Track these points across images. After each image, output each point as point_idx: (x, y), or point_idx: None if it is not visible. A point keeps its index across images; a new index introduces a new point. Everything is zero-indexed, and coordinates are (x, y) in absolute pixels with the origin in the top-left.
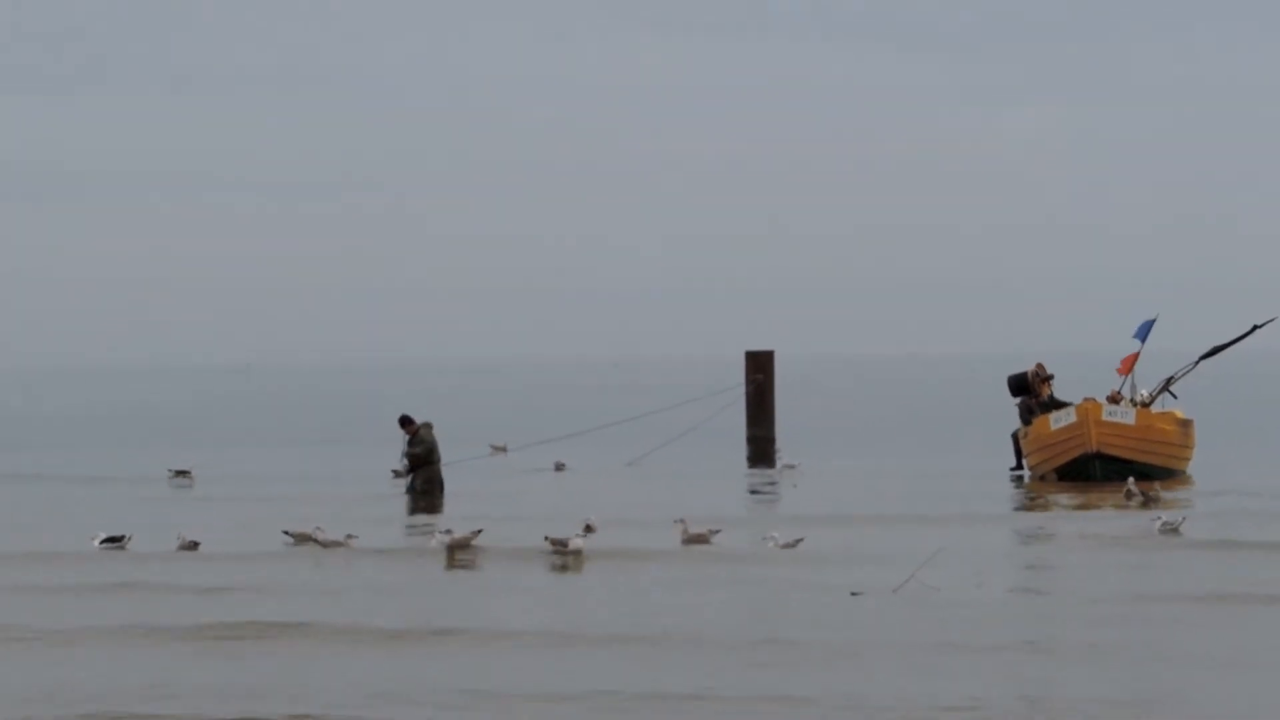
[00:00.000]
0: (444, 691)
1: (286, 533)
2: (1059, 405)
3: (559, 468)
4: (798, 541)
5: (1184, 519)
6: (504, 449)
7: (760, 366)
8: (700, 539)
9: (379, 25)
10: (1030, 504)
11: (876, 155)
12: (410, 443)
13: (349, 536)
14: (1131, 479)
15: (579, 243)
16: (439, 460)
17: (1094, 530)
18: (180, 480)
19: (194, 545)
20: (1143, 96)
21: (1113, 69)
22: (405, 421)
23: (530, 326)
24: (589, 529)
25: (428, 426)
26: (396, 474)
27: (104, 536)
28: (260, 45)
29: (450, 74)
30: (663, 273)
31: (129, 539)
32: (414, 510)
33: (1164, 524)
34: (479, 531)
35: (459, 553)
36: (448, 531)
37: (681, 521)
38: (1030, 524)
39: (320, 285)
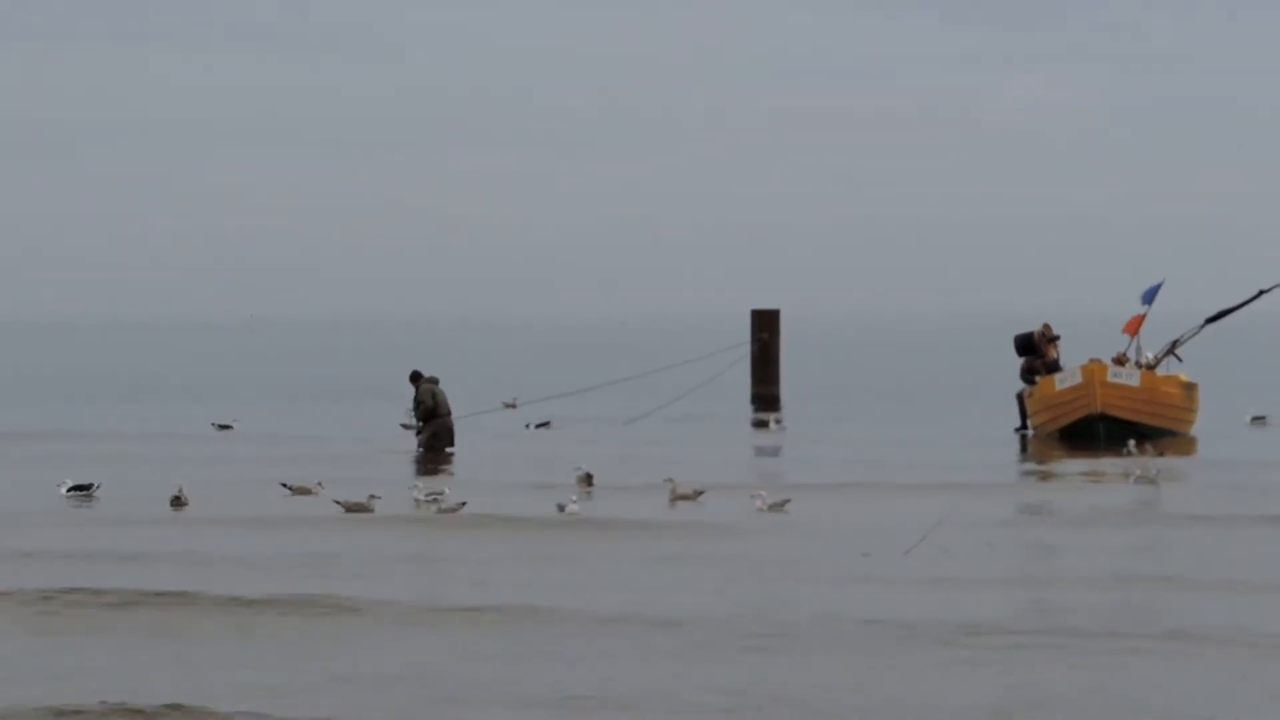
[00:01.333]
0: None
1: (285, 485)
2: (1057, 369)
3: (543, 425)
4: (785, 502)
5: (1158, 471)
6: (514, 405)
7: (766, 325)
8: (687, 498)
9: None
10: (1035, 467)
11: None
12: (416, 398)
13: (371, 497)
14: (1132, 441)
15: (586, 198)
16: (447, 414)
17: (1096, 498)
18: (224, 434)
19: (179, 501)
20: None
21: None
22: (414, 377)
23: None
24: (589, 480)
25: (431, 381)
26: (405, 427)
27: (70, 484)
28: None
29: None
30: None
31: (97, 487)
32: (422, 466)
33: (1139, 476)
34: (463, 504)
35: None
36: (434, 499)
37: (670, 481)
38: (1036, 488)
39: (335, 240)
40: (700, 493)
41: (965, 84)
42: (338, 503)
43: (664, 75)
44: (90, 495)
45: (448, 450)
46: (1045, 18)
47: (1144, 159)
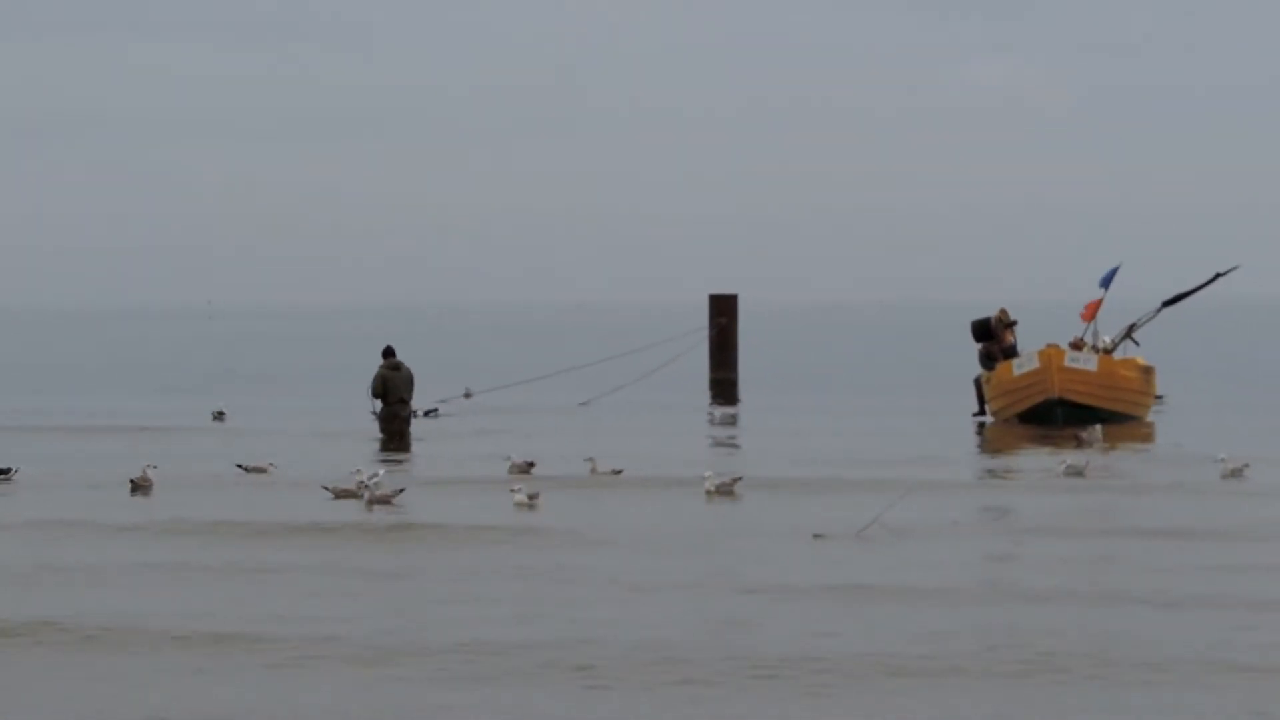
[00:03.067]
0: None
1: (240, 466)
2: (1015, 354)
3: (467, 395)
4: (735, 481)
5: (1087, 462)
6: (469, 394)
7: (724, 310)
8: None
9: None
10: (992, 450)
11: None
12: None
13: (372, 477)
14: (1098, 426)
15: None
16: (397, 400)
17: (1053, 479)
18: (218, 422)
19: (144, 484)
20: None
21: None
22: (383, 354)
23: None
24: (528, 468)
25: (391, 366)
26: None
27: None
28: None
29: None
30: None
31: (15, 471)
32: (380, 449)
33: (1068, 467)
34: (401, 490)
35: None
36: (364, 485)
37: (591, 460)
38: (991, 468)
39: (279, 228)
40: (619, 472)
41: (927, 72)
42: (240, 466)
43: (626, 64)
44: (9, 479)
45: (402, 436)
46: (1009, 5)
47: (1100, 145)
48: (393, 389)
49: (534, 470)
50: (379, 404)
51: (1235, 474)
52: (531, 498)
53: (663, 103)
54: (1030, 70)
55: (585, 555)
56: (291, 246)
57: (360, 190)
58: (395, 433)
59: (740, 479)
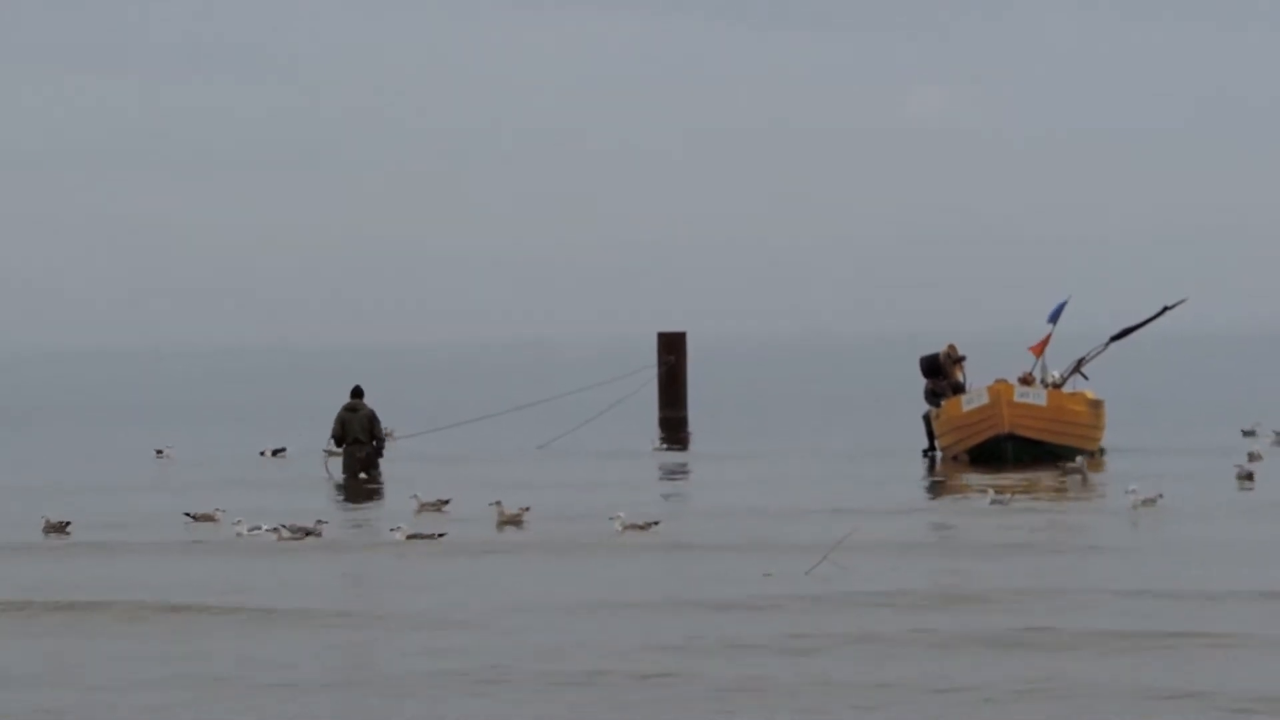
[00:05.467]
0: None
1: (188, 514)
2: (963, 390)
3: (279, 451)
4: (650, 525)
5: (1011, 497)
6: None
7: (672, 348)
8: (514, 521)
9: None
10: (942, 486)
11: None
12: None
13: (319, 522)
14: (1081, 460)
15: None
16: (353, 440)
17: (1008, 517)
18: (161, 458)
19: (62, 526)
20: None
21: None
22: (351, 394)
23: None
24: (439, 506)
25: (350, 407)
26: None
27: None
28: None
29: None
30: (579, 251)
31: None
32: (339, 491)
33: (993, 499)
34: (323, 522)
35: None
36: (279, 528)
37: (498, 504)
38: (942, 506)
39: (229, 267)
40: (526, 509)
41: (866, 99)
42: (188, 515)
43: (568, 95)
44: None
45: (361, 477)
46: (947, 32)
47: (1046, 174)
48: (349, 430)
49: (446, 508)
50: (331, 444)
51: (1148, 504)
52: (523, 510)
53: (609, 134)
54: (969, 99)
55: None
56: (183, 282)
57: (293, 223)
58: (353, 472)
59: (657, 523)
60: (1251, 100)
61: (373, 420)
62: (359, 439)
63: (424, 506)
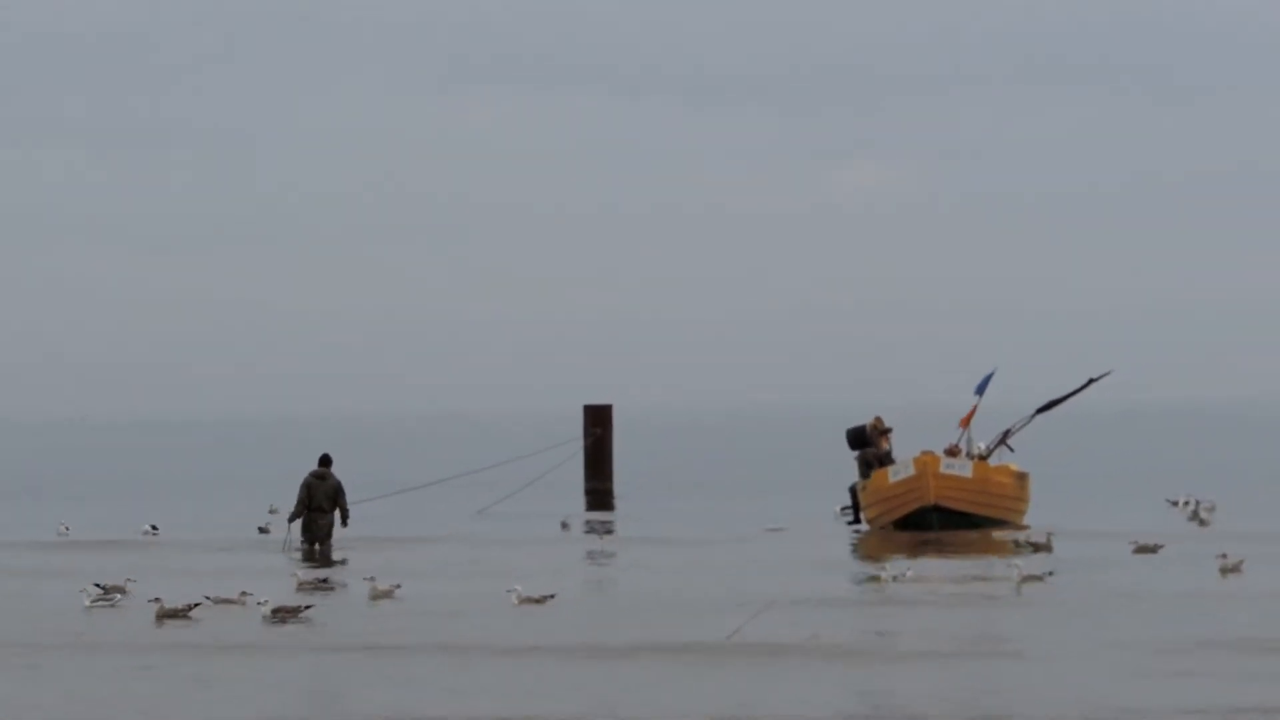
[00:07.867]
0: None
1: (98, 585)
2: (890, 462)
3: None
4: (546, 598)
5: (909, 570)
6: (275, 510)
7: (599, 420)
8: (386, 595)
9: None
10: (865, 557)
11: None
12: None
13: (243, 594)
14: (1042, 534)
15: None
16: (316, 507)
17: (934, 587)
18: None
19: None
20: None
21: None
22: (319, 462)
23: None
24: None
25: (318, 474)
26: (272, 511)
27: None
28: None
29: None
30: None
31: None
32: (303, 558)
33: (890, 575)
34: (245, 594)
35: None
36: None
37: (372, 580)
38: (865, 575)
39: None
40: (397, 586)
41: (789, 174)
42: (98, 585)
43: (497, 165)
44: None
45: (317, 545)
46: (868, 108)
47: (966, 245)
48: (314, 498)
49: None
50: (293, 512)
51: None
52: (394, 588)
53: (534, 201)
54: (889, 172)
55: None
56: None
57: (235, 297)
58: (312, 540)
59: (553, 596)
60: (1171, 175)
61: (338, 491)
62: (322, 507)
63: (302, 585)
